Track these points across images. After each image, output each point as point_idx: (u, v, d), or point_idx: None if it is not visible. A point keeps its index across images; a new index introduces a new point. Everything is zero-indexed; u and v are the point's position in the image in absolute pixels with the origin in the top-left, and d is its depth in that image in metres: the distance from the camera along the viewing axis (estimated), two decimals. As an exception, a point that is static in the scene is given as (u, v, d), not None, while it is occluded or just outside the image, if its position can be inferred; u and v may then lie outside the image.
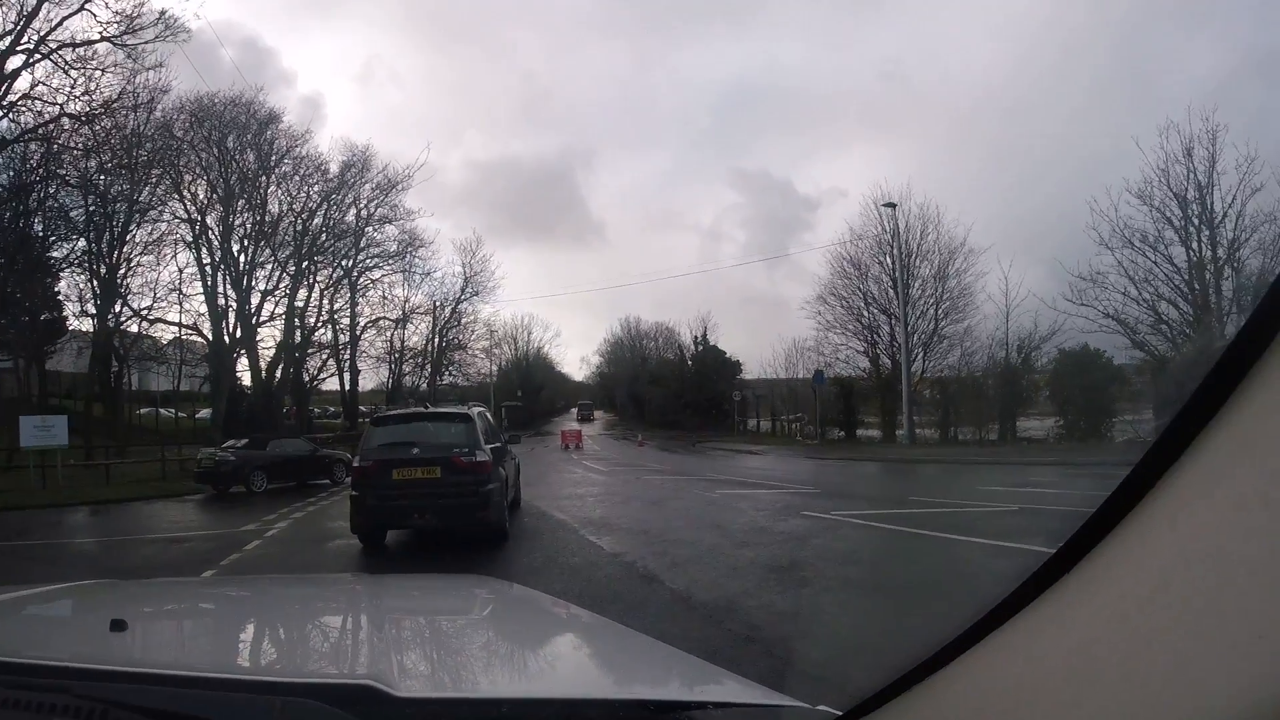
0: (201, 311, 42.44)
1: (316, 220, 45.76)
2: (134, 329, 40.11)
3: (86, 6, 30.03)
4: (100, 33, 30.38)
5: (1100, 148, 54.27)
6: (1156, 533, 0.78)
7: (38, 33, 29.70)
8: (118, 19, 30.47)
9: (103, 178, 35.11)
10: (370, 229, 48.11)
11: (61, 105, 30.68)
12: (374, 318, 50.68)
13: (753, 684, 1.76)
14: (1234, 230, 28.19)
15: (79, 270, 37.50)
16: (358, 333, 50.31)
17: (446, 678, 1.80)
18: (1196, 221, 28.98)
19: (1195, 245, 29.14)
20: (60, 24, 30.05)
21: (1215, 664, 0.67)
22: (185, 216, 41.32)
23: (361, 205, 47.42)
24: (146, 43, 31.55)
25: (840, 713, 1.17)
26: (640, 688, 1.76)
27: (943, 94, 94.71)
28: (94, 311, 37.40)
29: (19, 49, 29.60)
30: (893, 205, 39.85)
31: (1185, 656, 0.70)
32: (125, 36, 30.79)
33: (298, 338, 46.43)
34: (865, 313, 42.70)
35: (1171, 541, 0.76)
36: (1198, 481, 0.75)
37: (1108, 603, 0.81)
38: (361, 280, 49.36)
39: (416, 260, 50.65)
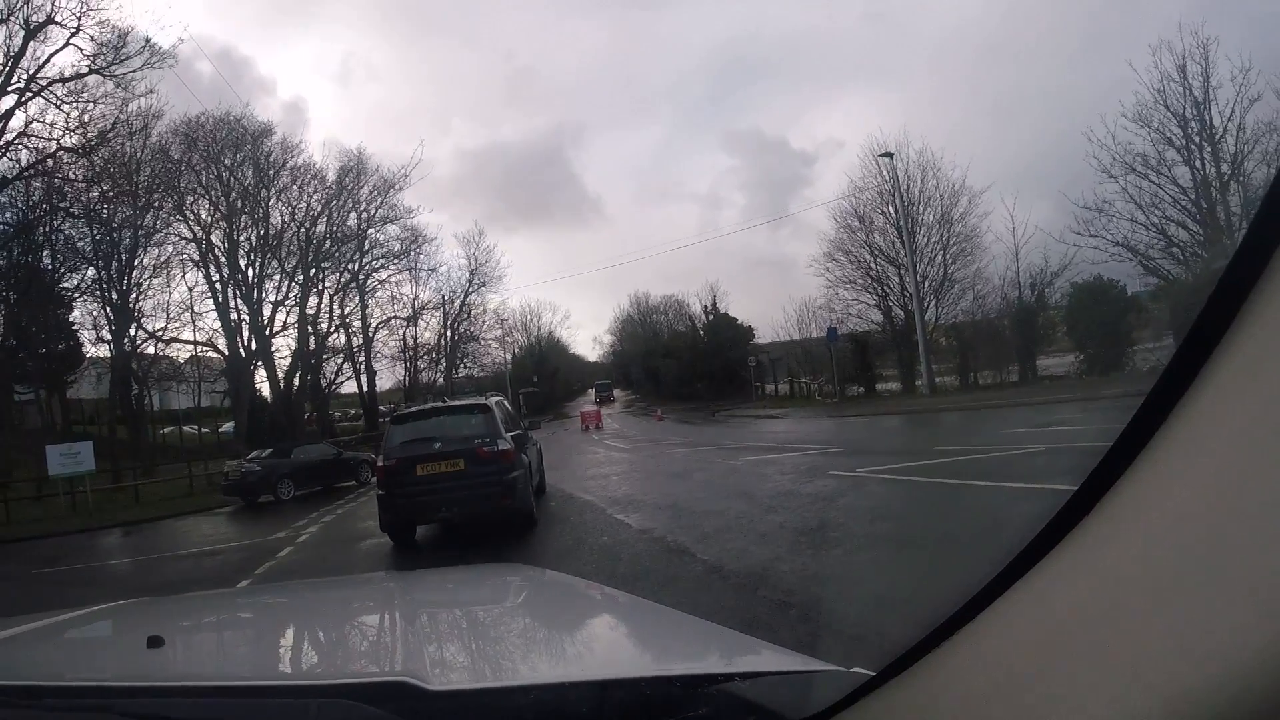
0: (215, 328, 43.03)
1: (319, 227, 46.21)
2: (150, 351, 40.67)
3: (72, 41, 30.31)
4: (89, 66, 30.63)
5: (1093, 73, 53.79)
6: (1173, 465, 0.77)
7: (27, 71, 30.06)
8: (104, 50, 30.69)
9: (106, 206, 35.37)
10: (373, 231, 48.50)
11: (58, 140, 31.04)
12: (385, 318, 51.22)
13: (786, 651, 1.76)
14: (1236, 144, 27.79)
15: (91, 298, 37.98)
16: (370, 334, 50.73)
17: (485, 667, 1.81)
18: (1197, 139, 28.59)
19: (1198, 163, 28.76)
20: (48, 61, 30.40)
21: (1238, 599, 0.66)
22: (190, 236, 41.87)
23: (362, 208, 47.82)
24: (134, 71, 31.88)
25: (873, 673, 1.17)
26: (672, 664, 1.76)
27: (928, 31, 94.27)
28: (110, 337, 37.85)
29: (10, 89, 29.92)
30: (889, 155, 39.53)
31: (1208, 591, 0.69)
32: (113, 67, 31.06)
33: (312, 344, 46.76)
34: (873, 265, 42.35)
35: (1188, 473, 0.75)
36: (1210, 409, 0.74)
37: (1131, 541, 0.80)
38: (369, 282, 49.81)
39: (421, 257, 51.02)
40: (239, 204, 43.04)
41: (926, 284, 39.62)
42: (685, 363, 70.52)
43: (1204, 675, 0.67)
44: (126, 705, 1.32)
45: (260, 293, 44.10)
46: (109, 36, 31.00)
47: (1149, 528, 0.78)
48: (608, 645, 2.08)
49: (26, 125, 30.80)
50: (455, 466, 10.48)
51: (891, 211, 40.48)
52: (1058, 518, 0.87)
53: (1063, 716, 0.79)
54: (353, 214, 47.60)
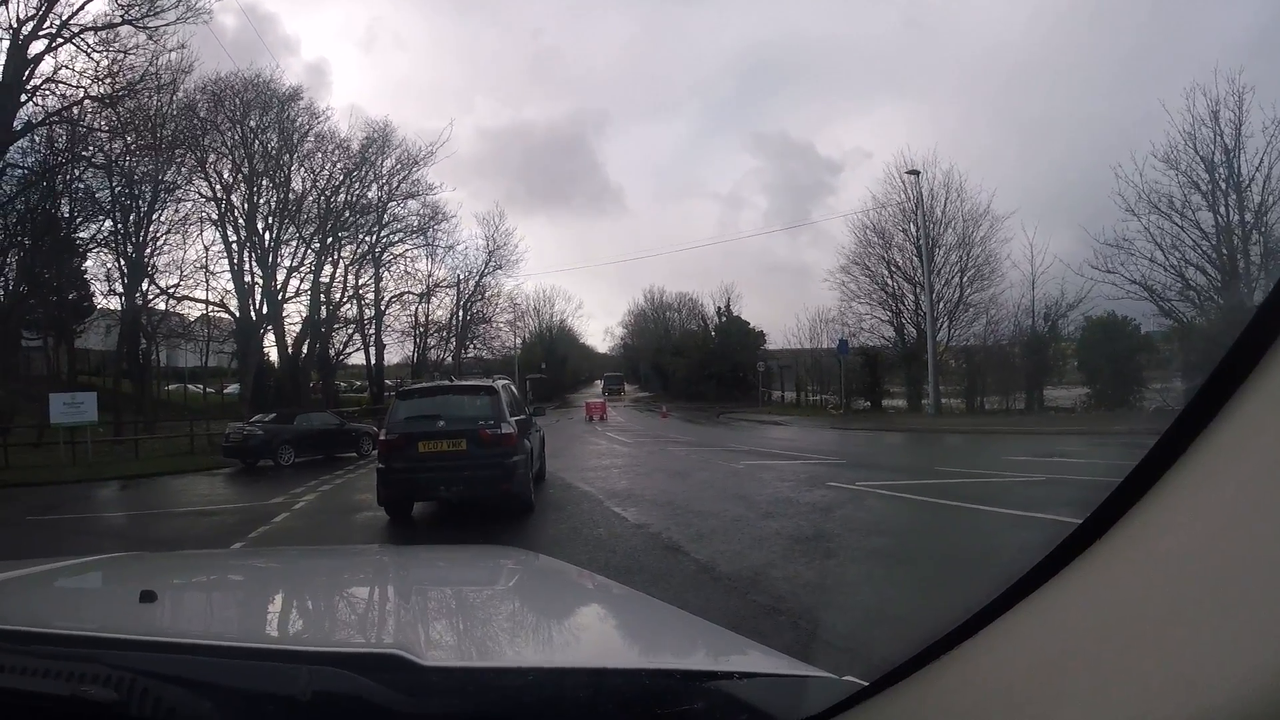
0: (228, 289, 42.85)
1: (340, 197, 46.02)
2: (161, 307, 40.63)
3: (108, -11, 30.20)
4: (122, 15, 30.54)
5: (1126, 110, 53.39)
6: (1186, 501, 0.77)
7: (60, 17, 29.90)
8: (138, 1, 30.61)
9: (128, 159, 35.15)
10: (393, 204, 48.39)
11: (85, 88, 30.93)
12: (398, 292, 51.15)
13: (779, 654, 1.75)
14: (1262, 194, 27.55)
15: (106, 250, 37.92)
16: (382, 307, 50.69)
17: (473, 647, 1.81)
18: (1224, 185, 28.41)
19: (1223, 210, 28.58)
20: (82, 8, 30.24)
21: (1245, 637, 0.66)
22: (210, 195, 41.65)
23: (384, 181, 47.70)
24: (168, 24, 31.70)
25: (866, 683, 1.16)
26: (666, 658, 1.76)
27: (966, 49, 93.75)
28: (121, 290, 37.83)
29: (41, 33, 29.80)
30: (916, 173, 39.61)
31: (1215, 627, 0.69)
32: (147, 19, 30.93)
33: (323, 313, 46.76)
34: (890, 281, 42.46)
35: (1200, 510, 0.75)
36: (1227, 449, 0.74)
37: (1137, 572, 0.80)
38: (385, 255, 49.73)
39: (439, 234, 50.92)
40: (261, 166, 43.01)
41: (941, 305, 39.70)
42: (694, 362, 70.41)
43: (1207, 704, 0.67)
44: (116, 657, 1.31)
45: (276, 257, 43.95)
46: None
47: (1162, 556, 0.78)
48: (601, 634, 2.07)
49: (55, 71, 30.81)
50: (457, 446, 10.48)
51: (912, 229, 40.53)
52: (1069, 540, 0.87)
53: None
54: (374, 185, 47.61)
